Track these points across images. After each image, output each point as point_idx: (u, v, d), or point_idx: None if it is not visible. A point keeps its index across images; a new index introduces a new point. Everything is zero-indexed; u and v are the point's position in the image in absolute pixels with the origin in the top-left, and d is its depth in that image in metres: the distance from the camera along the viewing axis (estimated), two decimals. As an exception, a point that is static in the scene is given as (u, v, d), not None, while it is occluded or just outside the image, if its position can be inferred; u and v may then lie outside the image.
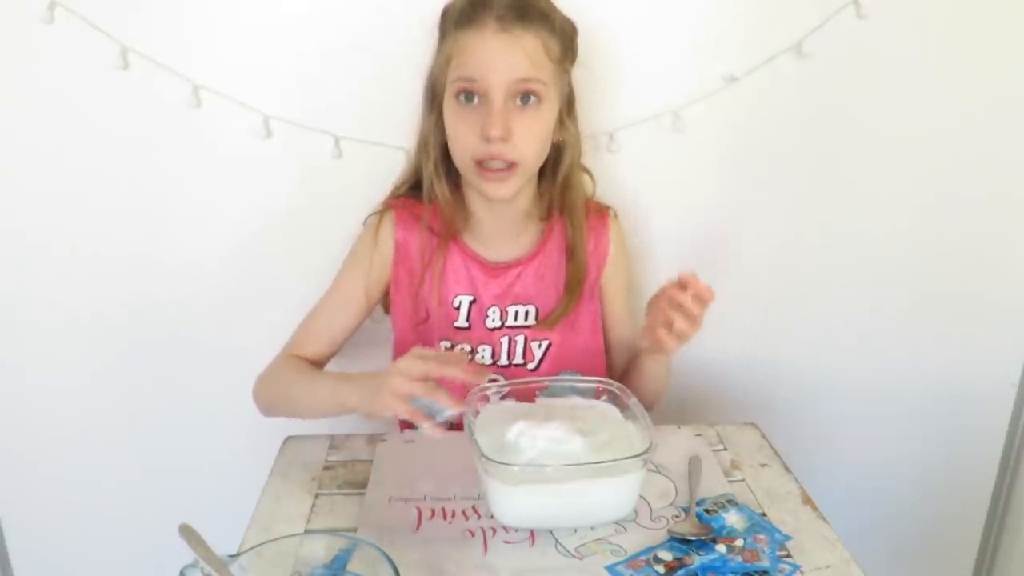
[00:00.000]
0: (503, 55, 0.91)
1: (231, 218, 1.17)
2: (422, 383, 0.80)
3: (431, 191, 1.02)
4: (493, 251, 1.05)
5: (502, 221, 1.04)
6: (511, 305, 1.05)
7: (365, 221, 1.07)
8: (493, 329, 1.05)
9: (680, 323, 0.88)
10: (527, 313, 1.06)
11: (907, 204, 1.25)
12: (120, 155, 1.13)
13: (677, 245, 1.23)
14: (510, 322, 1.06)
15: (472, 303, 1.04)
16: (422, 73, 1.02)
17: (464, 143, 0.94)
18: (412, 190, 1.06)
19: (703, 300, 0.88)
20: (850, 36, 1.12)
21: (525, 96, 0.93)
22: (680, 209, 1.22)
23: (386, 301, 1.11)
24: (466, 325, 1.05)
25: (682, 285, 0.87)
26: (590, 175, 1.10)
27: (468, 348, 1.05)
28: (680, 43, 1.13)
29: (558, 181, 1.03)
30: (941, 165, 1.23)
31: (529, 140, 0.94)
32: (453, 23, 0.94)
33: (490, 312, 1.05)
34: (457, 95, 0.93)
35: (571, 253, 1.05)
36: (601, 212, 1.09)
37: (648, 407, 1.01)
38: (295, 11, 1.08)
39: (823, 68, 1.14)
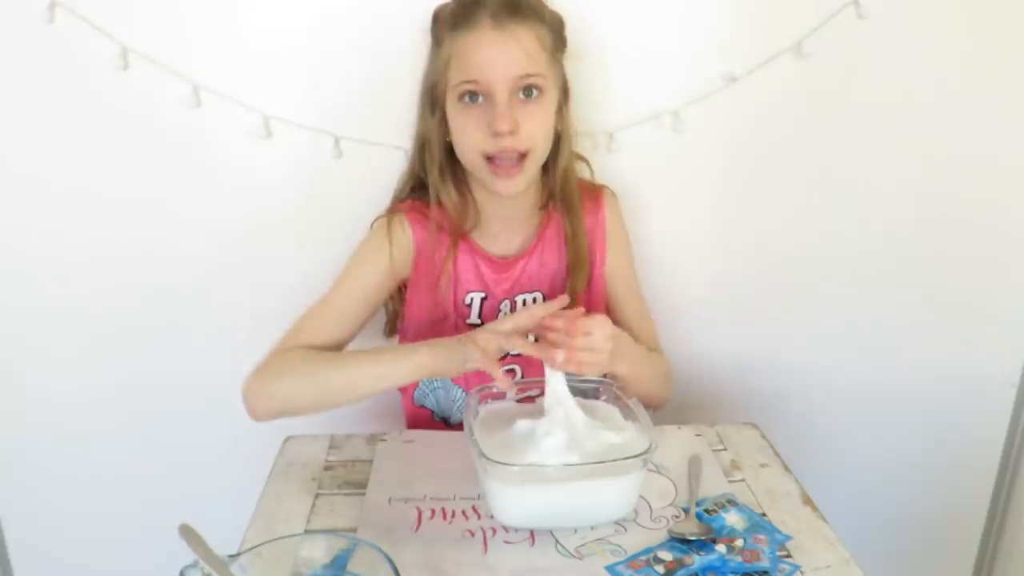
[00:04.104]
0: (502, 52, 0.92)
1: (231, 218, 1.17)
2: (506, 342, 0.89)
3: (437, 194, 1.02)
4: (500, 246, 1.06)
5: (508, 216, 1.05)
6: (519, 295, 1.06)
7: (372, 224, 1.06)
8: None
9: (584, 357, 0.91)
10: (535, 300, 1.07)
11: (906, 204, 1.24)
12: (120, 155, 1.13)
13: (677, 245, 1.23)
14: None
15: (484, 300, 1.05)
16: (421, 74, 1.02)
17: (472, 141, 0.95)
18: (414, 192, 1.06)
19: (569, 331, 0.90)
20: (850, 36, 1.12)
21: (527, 90, 0.94)
22: (680, 209, 1.22)
23: (391, 314, 1.11)
24: (479, 322, 1.06)
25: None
26: (585, 161, 1.11)
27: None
28: (680, 43, 1.13)
29: (557, 170, 1.04)
30: (941, 165, 1.22)
31: (536, 130, 0.96)
32: (448, 26, 0.95)
33: (502, 307, 1.06)
34: (461, 97, 0.94)
35: (570, 238, 1.06)
36: (595, 192, 1.10)
37: (653, 405, 1.03)
38: (295, 11, 1.08)
39: (823, 68, 1.14)
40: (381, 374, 0.94)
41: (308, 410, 0.97)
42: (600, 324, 0.91)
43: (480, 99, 0.94)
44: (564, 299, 0.93)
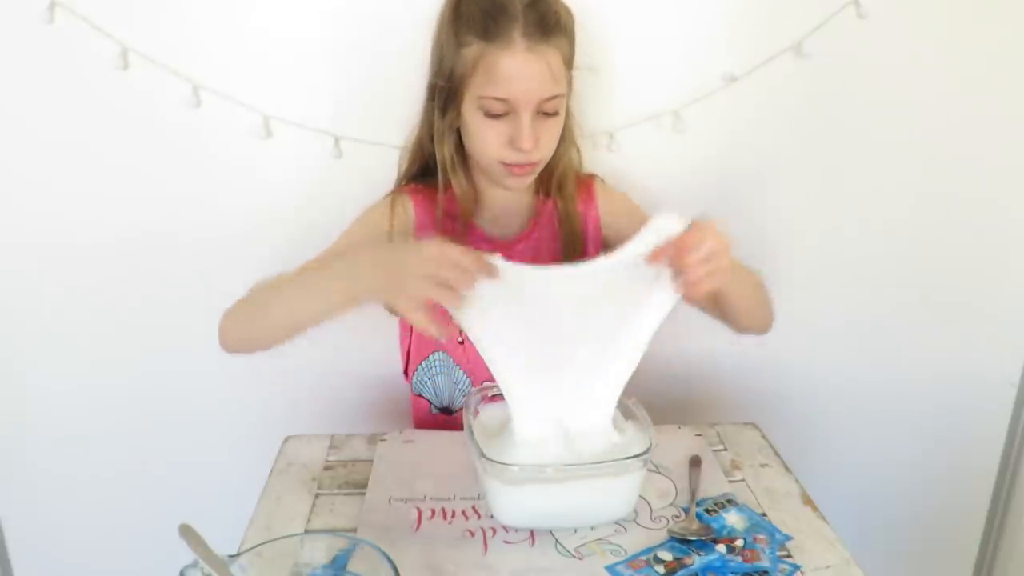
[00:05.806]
0: (534, 75, 0.93)
1: (231, 218, 1.17)
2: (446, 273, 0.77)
3: (447, 181, 1.03)
4: (498, 228, 1.07)
5: (508, 201, 1.06)
6: None
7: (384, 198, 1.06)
8: None
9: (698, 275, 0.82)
10: None
11: (906, 204, 1.25)
12: (120, 155, 1.13)
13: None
14: None
15: None
16: (423, 71, 1.02)
17: (492, 151, 0.97)
18: (416, 177, 1.07)
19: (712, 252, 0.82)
20: (850, 36, 1.12)
21: (548, 108, 0.95)
22: (680, 209, 1.21)
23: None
24: None
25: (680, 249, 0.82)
26: (576, 147, 1.10)
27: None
28: (680, 43, 1.14)
29: (557, 160, 1.05)
30: (940, 165, 1.23)
31: (551, 143, 0.99)
32: (476, 32, 0.93)
33: None
34: (484, 107, 0.95)
35: (564, 223, 1.07)
36: (586, 182, 1.11)
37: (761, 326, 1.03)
38: (295, 12, 1.08)
39: (823, 68, 1.14)
40: (314, 310, 0.88)
41: (267, 343, 0.93)
42: (709, 232, 0.83)
43: (501, 112, 0.95)
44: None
